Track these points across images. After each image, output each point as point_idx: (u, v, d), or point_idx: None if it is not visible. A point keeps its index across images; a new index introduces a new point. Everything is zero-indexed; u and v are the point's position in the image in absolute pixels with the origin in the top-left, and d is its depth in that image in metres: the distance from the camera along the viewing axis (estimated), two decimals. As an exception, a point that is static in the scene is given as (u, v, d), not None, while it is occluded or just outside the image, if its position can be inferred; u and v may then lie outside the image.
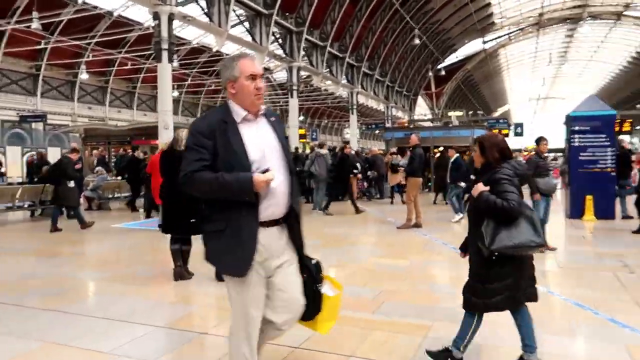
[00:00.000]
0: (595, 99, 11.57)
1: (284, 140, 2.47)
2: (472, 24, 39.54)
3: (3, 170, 20.10)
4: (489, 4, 37.64)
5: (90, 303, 4.73)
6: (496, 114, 71.47)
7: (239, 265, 2.30)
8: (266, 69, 44.28)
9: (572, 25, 48.24)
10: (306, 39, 22.75)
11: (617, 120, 26.60)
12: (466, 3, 34.62)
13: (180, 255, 5.61)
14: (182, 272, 5.59)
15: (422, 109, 55.25)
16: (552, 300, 4.76)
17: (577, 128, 10.75)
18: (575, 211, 10.73)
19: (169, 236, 5.62)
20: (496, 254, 2.82)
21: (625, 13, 42.51)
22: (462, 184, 10.46)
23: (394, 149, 18.40)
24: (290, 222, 2.47)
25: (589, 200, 10.51)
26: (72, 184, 9.74)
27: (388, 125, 32.46)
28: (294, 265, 2.52)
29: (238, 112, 2.34)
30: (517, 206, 2.80)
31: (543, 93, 78.78)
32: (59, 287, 5.37)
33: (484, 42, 46.75)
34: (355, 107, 30.19)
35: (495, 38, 47.71)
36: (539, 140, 7.27)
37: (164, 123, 14.31)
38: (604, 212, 10.51)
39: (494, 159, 3.03)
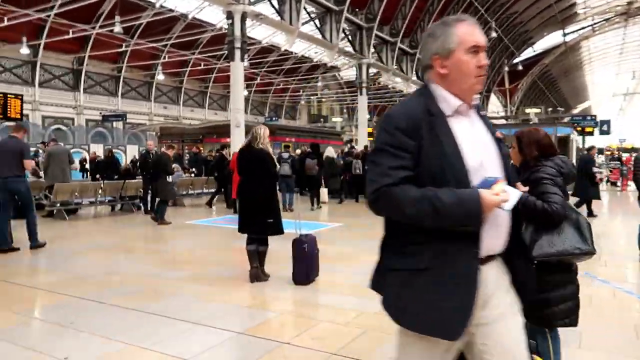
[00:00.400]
0: None
1: (500, 142, 1.73)
2: (552, 15, 37.29)
3: (87, 166, 21.27)
4: (571, -7, 35.33)
5: (169, 304, 4.64)
6: (576, 111, 67.22)
7: (451, 324, 1.53)
8: (333, 67, 44.32)
9: (667, 13, 44.24)
10: (376, 35, 22.29)
11: None
12: (546, -7, 32.70)
13: (257, 256, 5.44)
14: (258, 274, 5.42)
15: (493, 107, 52.95)
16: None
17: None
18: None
19: (244, 235, 5.47)
20: (535, 262, 2.47)
21: None
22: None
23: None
24: (512, 256, 1.71)
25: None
26: (169, 178, 10.13)
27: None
28: (517, 318, 1.70)
29: (449, 101, 1.62)
30: (561, 209, 2.47)
31: (631, 88, 73.15)
32: (139, 285, 5.37)
33: (564, 35, 43.91)
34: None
35: (578, 30, 44.67)
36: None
37: (235, 121, 14.45)
38: None
39: (532, 156, 2.73)
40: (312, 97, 51.96)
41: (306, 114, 53.22)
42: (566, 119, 28.39)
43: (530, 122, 21.45)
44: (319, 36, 19.35)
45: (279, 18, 16.51)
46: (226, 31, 26.26)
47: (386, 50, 24.33)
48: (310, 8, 19.02)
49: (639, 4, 40.84)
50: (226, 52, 32.50)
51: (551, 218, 2.46)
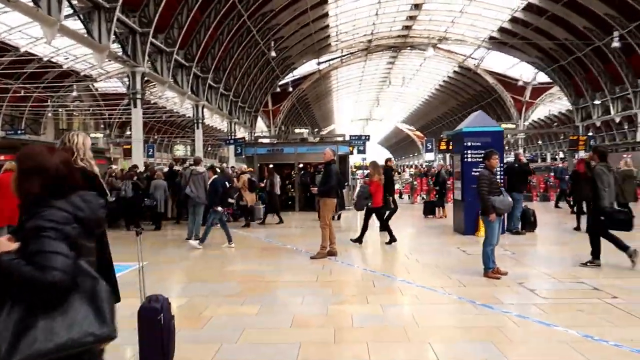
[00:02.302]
0: (483, 115, 11.83)
1: None
2: (312, 44, 40.42)
3: None
4: (327, 26, 38.94)
5: None
6: (323, 133, 75.03)
7: None
8: (87, 76, 39.02)
9: (394, 53, 53.12)
10: (151, 43, 20.02)
11: (445, 139, 29.50)
12: (308, 23, 35.13)
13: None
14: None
15: (258, 128, 54.80)
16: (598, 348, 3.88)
17: (469, 144, 10.76)
18: (470, 227, 10.68)
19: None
20: None
21: (438, 45, 48.20)
22: (220, 209, 10.01)
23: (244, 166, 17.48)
24: None
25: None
26: None
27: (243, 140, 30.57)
28: None
29: None
30: (64, 276, 1.61)
31: (366, 114, 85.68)
32: None
33: (319, 63, 48.47)
34: (201, 120, 27.87)
35: (329, 60, 49.87)
36: (490, 154, 6.67)
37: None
38: (497, 227, 10.63)
39: (31, 192, 1.79)
40: (60, 109, 44.82)
41: (53, 128, 45.54)
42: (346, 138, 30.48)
43: (312, 141, 22.30)
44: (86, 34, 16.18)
45: (33, 5, 13.03)
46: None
47: (161, 60, 22.16)
48: (74, 1, 15.72)
49: (376, 42, 47.97)
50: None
51: (47, 291, 1.61)
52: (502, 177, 10.73)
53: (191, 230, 10.50)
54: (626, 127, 43.20)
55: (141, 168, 16.23)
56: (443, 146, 29.19)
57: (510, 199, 6.62)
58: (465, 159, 10.73)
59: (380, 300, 5.39)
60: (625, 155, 14.84)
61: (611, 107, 36.91)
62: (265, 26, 31.14)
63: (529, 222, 11.06)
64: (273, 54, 27.60)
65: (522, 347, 3.95)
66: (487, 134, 10.73)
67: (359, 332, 4.38)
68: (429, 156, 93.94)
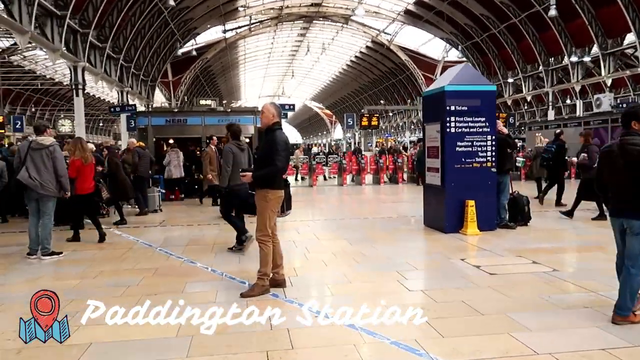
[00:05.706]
0: (469, 69, 8.93)
1: None
2: (216, 6, 35.61)
3: None
4: (236, -13, 34.50)
5: None
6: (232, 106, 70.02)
7: None
8: None
9: (306, 24, 49.68)
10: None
11: (366, 115, 27.03)
12: (212, -21, 30.53)
13: None
14: None
15: (158, 99, 48.85)
16: None
17: (453, 108, 7.82)
18: (453, 224, 7.84)
19: None
20: None
21: (352, 18, 45.56)
22: None
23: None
24: None
25: (471, 206, 7.73)
26: None
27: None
28: None
29: None
30: None
31: (274, 91, 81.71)
32: None
33: (224, 31, 43.78)
34: (81, 87, 22.46)
35: (237, 28, 45.28)
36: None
37: None
38: (488, 222, 7.91)
39: None
40: None
41: None
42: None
43: (222, 110, 18.45)
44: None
45: None
46: None
47: (20, 3, 16.75)
48: None
49: (288, 10, 44.12)
50: None
51: None
52: (493, 157, 8.02)
53: (34, 239, 6.56)
54: (531, 106, 44.07)
55: None
56: (365, 122, 26.76)
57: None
58: (448, 129, 7.79)
59: None
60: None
61: (523, 86, 36.84)
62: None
63: (521, 213, 8.48)
64: (171, 2, 22.73)
65: None
66: (476, 95, 7.86)
67: None
68: (338, 134, 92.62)
